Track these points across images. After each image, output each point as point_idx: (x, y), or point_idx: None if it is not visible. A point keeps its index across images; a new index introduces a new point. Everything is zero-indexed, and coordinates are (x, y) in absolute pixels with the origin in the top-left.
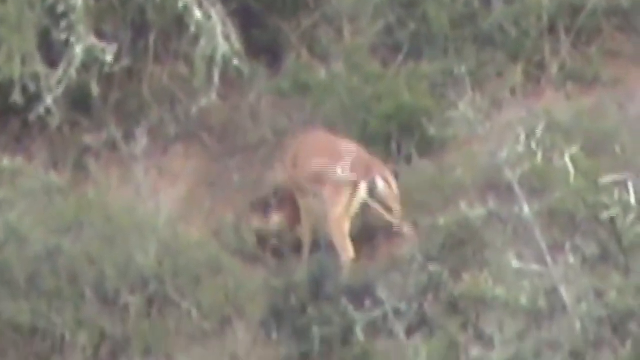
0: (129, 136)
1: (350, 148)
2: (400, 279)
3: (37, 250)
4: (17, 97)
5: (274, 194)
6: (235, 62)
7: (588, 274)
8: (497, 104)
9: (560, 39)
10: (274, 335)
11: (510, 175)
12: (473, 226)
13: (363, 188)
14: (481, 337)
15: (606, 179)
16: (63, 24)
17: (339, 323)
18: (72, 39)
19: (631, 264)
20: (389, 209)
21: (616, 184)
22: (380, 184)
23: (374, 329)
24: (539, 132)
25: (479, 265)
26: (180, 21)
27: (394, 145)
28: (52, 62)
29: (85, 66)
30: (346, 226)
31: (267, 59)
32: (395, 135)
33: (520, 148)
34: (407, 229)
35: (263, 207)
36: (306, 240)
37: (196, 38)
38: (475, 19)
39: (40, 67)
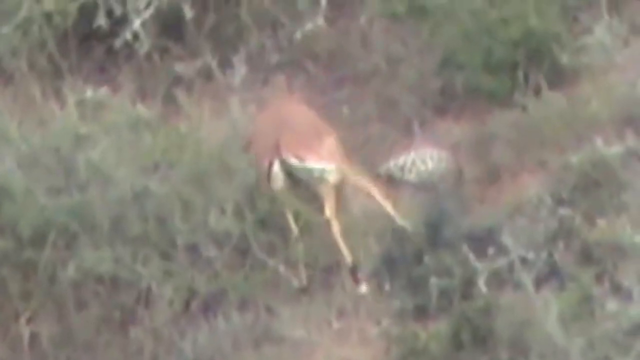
0: (225, 65)
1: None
2: (528, 225)
3: (122, 191)
4: (101, 20)
5: None
6: None
7: None
8: (637, 29)
9: None
10: (387, 287)
11: None
12: (609, 165)
13: (276, 167)
14: (618, 290)
15: None
16: None
17: (459, 273)
18: None
19: None
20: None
21: None
22: (294, 163)
23: (498, 280)
24: None
25: (615, 209)
26: None
27: (520, 75)
28: None
29: None
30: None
31: None
32: (523, 64)
33: None
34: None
35: None
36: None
37: None
38: None
39: None
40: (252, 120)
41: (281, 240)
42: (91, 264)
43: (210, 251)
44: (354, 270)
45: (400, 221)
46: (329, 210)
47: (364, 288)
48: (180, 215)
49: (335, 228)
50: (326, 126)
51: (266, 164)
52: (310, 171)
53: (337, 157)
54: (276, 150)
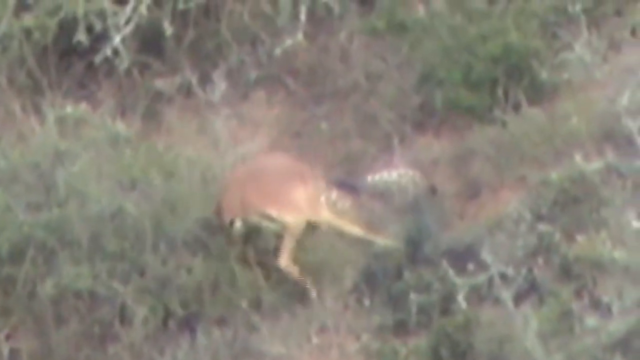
0: (205, 81)
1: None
2: (507, 241)
3: (101, 208)
4: (81, 36)
5: None
6: None
7: None
8: (615, 46)
9: None
10: (366, 303)
11: (631, 125)
12: (589, 181)
13: (238, 224)
14: (598, 305)
15: None
16: None
17: (438, 289)
18: None
19: None
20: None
21: None
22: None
23: (478, 296)
24: None
25: (595, 225)
26: None
27: (500, 91)
28: None
29: (156, 2)
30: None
31: None
32: (502, 80)
33: None
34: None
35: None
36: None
37: None
38: None
39: (106, 3)
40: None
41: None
42: (70, 280)
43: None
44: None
45: (382, 242)
46: (282, 260)
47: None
48: (157, 232)
49: (293, 271)
50: (304, 175)
51: (227, 221)
52: (270, 223)
53: (305, 210)
54: (240, 207)
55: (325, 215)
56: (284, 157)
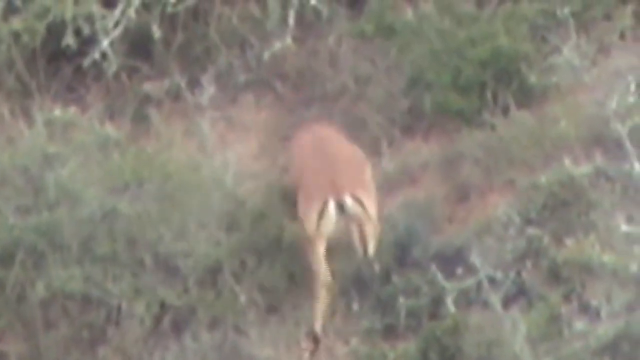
0: (194, 84)
1: (340, 154)
2: (496, 244)
3: (91, 211)
4: (69, 40)
5: None
6: (313, 1)
7: None
8: (604, 50)
9: None
10: (355, 307)
11: (620, 129)
12: (578, 185)
13: (331, 206)
14: (586, 309)
15: None
16: None
17: (427, 293)
18: None
19: None
20: (363, 236)
21: None
22: (349, 203)
23: (467, 299)
24: None
25: (584, 228)
26: None
27: (489, 95)
28: (108, 1)
29: (145, 5)
30: (320, 247)
31: None
32: (491, 84)
33: (630, 98)
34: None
35: None
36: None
37: None
38: None
39: (95, 7)
40: (292, 150)
41: (254, 262)
42: (60, 283)
43: (180, 270)
44: (315, 338)
45: (371, 257)
46: (372, 249)
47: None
48: (150, 235)
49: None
50: (361, 153)
51: (318, 203)
52: (360, 209)
53: (373, 187)
54: (332, 189)
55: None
56: (341, 135)
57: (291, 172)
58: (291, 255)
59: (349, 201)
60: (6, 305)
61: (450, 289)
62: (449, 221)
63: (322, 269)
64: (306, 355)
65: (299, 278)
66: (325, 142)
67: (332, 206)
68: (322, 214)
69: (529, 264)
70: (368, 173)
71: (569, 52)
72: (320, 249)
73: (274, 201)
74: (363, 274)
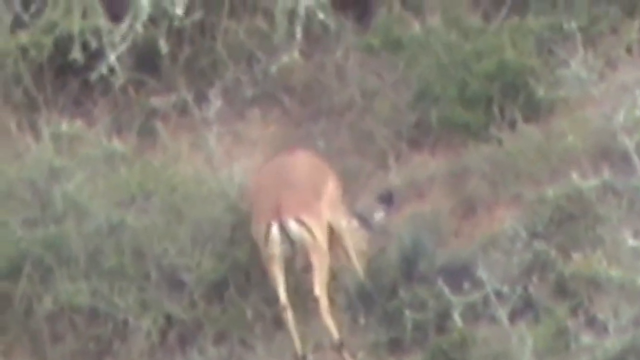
0: (200, 98)
1: (294, 178)
2: (503, 258)
3: (98, 224)
4: (76, 54)
5: None
6: (320, 15)
7: None
8: (611, 63)
9: None
10: (362, 321)
11: (627, 143)
12: (585, 199)
13: (274, 230)
14: (593, 323)
15: None
16: None
17: (434, 307)
18: None
19: None
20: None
21: None
22: (293, 227)
23: (474, 313)
24: None
25: (591, 243)
26: None
27: (496, 109)
28: (115, 15)
29: (152, 20)
30: (273, 267)
31: (355, 12)
32: (498, 98)
33: (638, 112)
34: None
35: None
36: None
37: None
38: None
39: (102, 21)
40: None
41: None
42: (67, 297)
43: (187, 284)
44: (339, 347)
45: (361, 275)
46: (318, 288)
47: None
48: (156, 248)
49: (324, 304)
50: (327, 171)
51: (263, 226)
52: (306, 234)
53: (334, 205)
54: (276, 212)
55: (342, 224)
56: (308, 156)
57: (246, 195)
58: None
59: (292, 225)
60: (13, 318)
61: (457, 303)
62: (456, 235)
63: (279, 289)
64: None
65: (303, 292)
66: (284, 165)
67: (275, 229)
68: (267, 236)
69: (535, 278)
70: (329, 199)
71: (576, 66)
72: (273, 269)
73: None
74: (370, 287)
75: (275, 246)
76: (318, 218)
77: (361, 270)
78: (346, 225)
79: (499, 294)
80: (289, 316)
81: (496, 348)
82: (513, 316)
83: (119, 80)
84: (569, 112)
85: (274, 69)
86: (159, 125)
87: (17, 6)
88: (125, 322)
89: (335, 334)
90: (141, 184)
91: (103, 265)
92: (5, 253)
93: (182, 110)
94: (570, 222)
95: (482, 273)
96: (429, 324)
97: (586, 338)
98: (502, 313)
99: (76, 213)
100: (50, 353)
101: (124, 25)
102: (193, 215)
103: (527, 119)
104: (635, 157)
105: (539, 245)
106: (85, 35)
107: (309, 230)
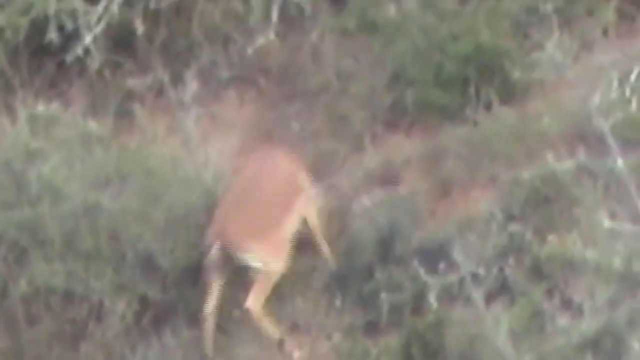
0: (176, 80)
1: (253, 197)
2: (478, 240)
3: (74, 206)
4: (52, 35)
5: None
6: None
7: None
8: (587, 46)
9: None
10: (337, 303)
11: (602, 125)
12: (560, 181)
13: (213, 252)
14: (569, 305)
15: None
16: None
17: (409, 289)
18: None
19: None
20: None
21: None
22: (237, 254)
23: (449, 295)
24: (633, 76)
25: (566, 224)
26: None
27: (472, 91)
28: None
29: (128, 1)
30: (211, 278)
31: None
32: (474, 80)
33: (613, 94)
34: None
35: None
36: None
37: None
38: None
39: (78, 2)
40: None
41: None
42: (42, 279)
43: (162, 267)
44: (280, 345)
45: (330, 263)
46: (251, 301)
47: (296, 355)
48: (132, 231)
49: (256, 316)
50: (299, 181)
51: (206, 246)
52: (253, 262)
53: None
54: (217, 236)
55: (315, 219)
56: (283, 164)
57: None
58: None
59: (236, 252)
60: None
61: (433, 284)
62: (431, 217)
63: (209, 299)
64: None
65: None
66: (256, 178)
67: (213, 252)
68: (207, 251)
69: (511, 259)
70: (298, 212)
71: (552, 48)
72: (210, 278)
73: None
74: (345, 269)
75: (212, 264)
76: (272, 245)
77: (324, 245)
78: (316, 211)
79: (474, 276)
80: (209, 326)
81: (471, 329)
82: (489, 298)
83: (95, 62)
84: (545, 94)
85: (250, 50)
86: (135, 106)
87: None
88: (101, 304)
89: (274, 334)
90: (117, 166)
91: (78, 247)
92: None
93: (159, 91)
94: (545, 204)
95: (457, 255)
96: (404, 306)
97: (562, 320)
98: (478, 295)
99: (52, 195)
100: (26, 335)
101: (99, 7)
102: (168, 198)
103: (503, 101)
104: (610, 139)
105: (514, 227)
106: (61, 17)
107: (256, 259)
